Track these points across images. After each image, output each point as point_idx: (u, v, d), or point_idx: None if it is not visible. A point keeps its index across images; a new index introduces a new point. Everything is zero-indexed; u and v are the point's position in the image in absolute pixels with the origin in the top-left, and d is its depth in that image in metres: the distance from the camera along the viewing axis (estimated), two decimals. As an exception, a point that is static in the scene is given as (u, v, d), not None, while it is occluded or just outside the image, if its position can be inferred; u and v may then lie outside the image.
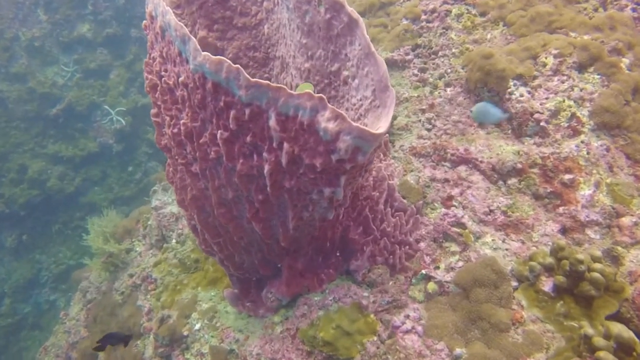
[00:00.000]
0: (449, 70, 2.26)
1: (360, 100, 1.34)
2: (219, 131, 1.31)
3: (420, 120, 2.22)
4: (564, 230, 1.74)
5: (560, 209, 1.75)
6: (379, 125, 1.24)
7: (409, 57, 2.43)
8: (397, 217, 1.92)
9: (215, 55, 1.77)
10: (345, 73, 1.37)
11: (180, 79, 1.31)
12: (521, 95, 1.93)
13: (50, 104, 6.14)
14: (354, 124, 1.11)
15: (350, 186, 1.50)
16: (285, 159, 1.26)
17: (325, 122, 1.15)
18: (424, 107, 2.25)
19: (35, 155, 6.34)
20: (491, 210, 1.85)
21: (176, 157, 1.55)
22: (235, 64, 1.76)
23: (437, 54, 2.34)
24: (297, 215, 1.52)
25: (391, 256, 1.91)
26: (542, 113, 1.87)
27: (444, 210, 1.94)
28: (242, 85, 1.17)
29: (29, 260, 6.71)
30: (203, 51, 1.67)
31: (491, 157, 1.92)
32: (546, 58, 1.94)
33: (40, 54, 6.16)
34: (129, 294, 2.95)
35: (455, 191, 1.95)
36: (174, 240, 2.89)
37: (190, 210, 1.72)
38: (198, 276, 2.61)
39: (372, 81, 1.27)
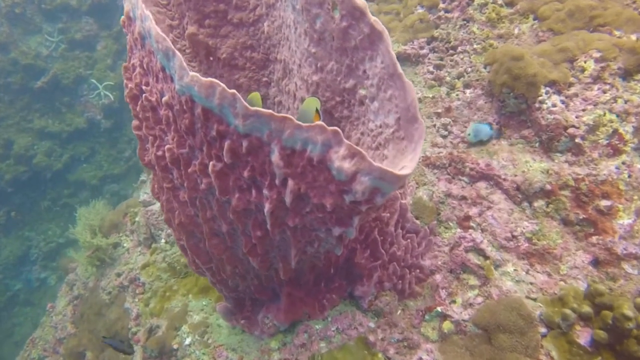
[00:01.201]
0: (469, 69, 2.02)
1: (380, 127, 1.12)
2: (211, 162, 1.10)
3: (434, 125, 2.00)
4: (596, 263, 1.56)
5: (594, 239, 1.57)
6: (404, 164, 1.02)
7: (424, 51, 2.18)
8: (409, 240, 1.73)
9: (207, 55, 1.52)
10: (362, 92, 1.14)
11: (164, 99, 1.08)
12: (554, 105, 1.71)
13: (35, 75, 5.79)
14: (375, 163, 0.90)
15: (364, 220, 1.30)
16: (289, 197, 1.06)
17: (340, 161, 0.94)
18: (439, 111, 2.02)
19: (21, 130, 6.05)
20: (514, 236, 1.66)
21: (161, 179, 1.33)
22: (230, 64, 1.52)
23: (455, 50, 2.09)
24: (301, 250, 1.32)
25: (400, 281, 1.73)
26: (577, 127, 1.65)
27: (460, 232, 1.75)
28: (239, 113, 0.95)
29: (18, 237, 6.54)
30: (193, 49, 1.42)
31: (516, 175, 1.72)
32: (585, 62, 1.71)
33: (22, 22, 5.77)
34: (116, 295, 2.79)
35: (474, 211, 1.75)
36: (163, 240, 2.70)
37: (178, 233, 1.52)
38: (189, 282, 2.44)
39: (396, 107, 1.05)
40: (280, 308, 1.73)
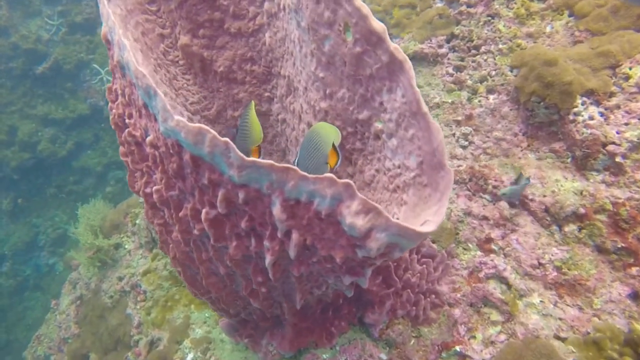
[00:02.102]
0: (494, 72, 1.83)
1: (399, 167, 0.97)
2: (204, 209, 0.95)
3: (454, 135, 1.83)
4: (635, 296, 1.41)
5: (634, 270, 1.41)
6: (427, 218, 0.87)
7: (443, 50, 1.98)
8: (424, 265, 1.59)
9: (202, 68, 1.36)
10: (379, 126, 0.98)
11: (149, 139, 0.93)
12: (591, 118, 1.53)
13: (36, 60, 5.64)
14: (393, 220, 0.76)
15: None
16: (293, 251, 0.92)
17: (352, 216, 0.79)
18: (459, 118, 1.84)
19: (24, 117, 5.95)
20: (541, 264, 1.51)
21: (151, 215, 1.19)
22: (228, 78, 1.35)
23: (479, 49, 1.90)
24: (307, 292, 1.20)
25: (414, 307, 1.60)
26: (618, 144, 1.47)
27: (480, 255, 1.61)
28: (234, 164, 0.80)
29: (26, 224, 6.54)
30: (187, 61, 1.27)
31: (545, 195, 1.55)
32: (631, 69, 1.51)
33: (21, 4, 5.57)
34: (118, 299, 2.71)
35: (496, 233, 1.60)
36: (165, 246, 2.59)
37: (174, 264, 1.39)
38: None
39: (418, 150, 0.89)
40: (285, 337, 1.61)
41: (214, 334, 2.11)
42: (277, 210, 0.86)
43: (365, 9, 0.83)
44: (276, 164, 0.80)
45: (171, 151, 0.88)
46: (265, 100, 1.40)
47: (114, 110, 1.13)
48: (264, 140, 1.50)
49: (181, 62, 1.40)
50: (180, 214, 1.02)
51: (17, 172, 6.04)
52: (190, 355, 2.04)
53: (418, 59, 2.00)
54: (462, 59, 1.94)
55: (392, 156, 0.97)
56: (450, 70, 1.94)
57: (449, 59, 1.97)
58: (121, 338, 2.49)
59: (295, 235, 0.90)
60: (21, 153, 5.95)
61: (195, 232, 1.02)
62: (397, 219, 0.99)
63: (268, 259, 0.97)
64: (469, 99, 1.86)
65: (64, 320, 3.11)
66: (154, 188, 1.01)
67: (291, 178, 0.80)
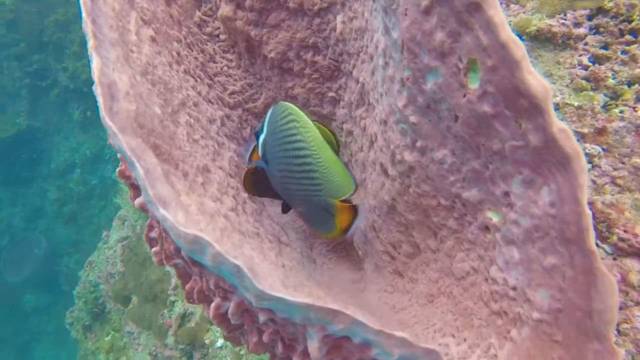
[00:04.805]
0: (652, 73, 1.30)
1: (513, 290, 0.61)
2: (214, 301, 0.67)
3: (574, 152, 1.36)
4: None
5: None
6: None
7: (581, 30, 1.44)
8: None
9: (249, 49, 1.01)
10: (492, 218, 0.61)
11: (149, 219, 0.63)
12: None
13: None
14: None
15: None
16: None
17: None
18: (585, 130, 1.36)
19: (93, 29, 5.87)
20: (670, 359, 1.12)
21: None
22: (281, 67, 1.00)
23: (637, 36, 1.35)
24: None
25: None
26: None
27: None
28: (250, 292, 0.50)
29: (94, 136, 6.76)
30: (229, 36, 0.95)
31: (697, 269, 1.11)
32: None
33: None
34: (160, 252, 2.63)
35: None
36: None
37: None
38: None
39: (559, 292, 0.53)
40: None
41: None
42: (313, 347, 0.55)
43: (517, 50, 0.43)
44: (316, 302, 0.48)
45: (169, 240, 0.58)
46: (328, 102, 1.04)
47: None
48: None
49: (222, 37, 1.05)
50: (187, 287, 0.74)
51: (87, 85, 6.11)
52: (220, 342, 1.90)
53: (541, 39, 1.49)
54: (607, 46, 1.40)
55: (505, 269, 0.61)
56: (586, 60, 1.42)
57: (586, 43, 1.44)
58: (159, 294, 2.43)
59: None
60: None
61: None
62: (495, 355, 0.65)
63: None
64: (606, 106, 1.36)
65: (111, 256, 3.14)
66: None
67: (340, 322, 0.49)
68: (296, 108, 0.73)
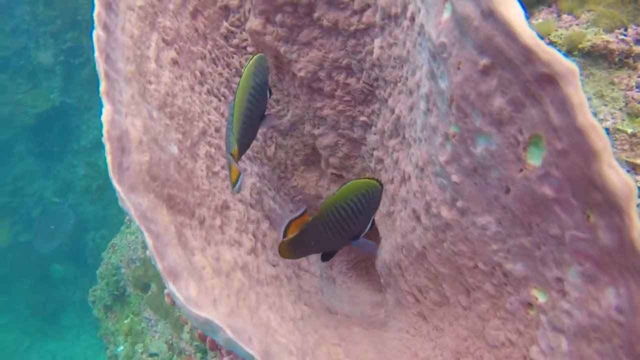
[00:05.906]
0: None
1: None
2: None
3: (623, 183, 1.25)
4: None
5: None
6: None
7: (642, 48, 1.32)
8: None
9: (278, 65, 0.95)
10: (538, 298, 0.54)
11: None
12: None
13: None
14: None
15: None
16: None
17: None
18: (638, 162, 1.25)
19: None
20: None
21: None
22: (311, 87, 0.94)
23: None
24: None
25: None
26: None
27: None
28: None
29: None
30: (257, 50, 0.89)
31: None
32: None
33: None
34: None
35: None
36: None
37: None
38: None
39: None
40: None
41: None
42: None
43: (597, 140, 0.36)
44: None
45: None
46: (359, 126, 0.96)
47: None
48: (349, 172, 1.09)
49: (250, 50, 0.99)
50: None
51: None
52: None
53: (594, 56, 1.37)
54: (669, 69, 1.28)
55: (550, 354, 0.54)
56: (644, 82, 1.29)
57: (646, 64, 1.31)
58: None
59: None
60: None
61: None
62: None
63: None
64: (663, 136, 1.24)
65: (132, 242, 3.18)
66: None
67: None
68: None
